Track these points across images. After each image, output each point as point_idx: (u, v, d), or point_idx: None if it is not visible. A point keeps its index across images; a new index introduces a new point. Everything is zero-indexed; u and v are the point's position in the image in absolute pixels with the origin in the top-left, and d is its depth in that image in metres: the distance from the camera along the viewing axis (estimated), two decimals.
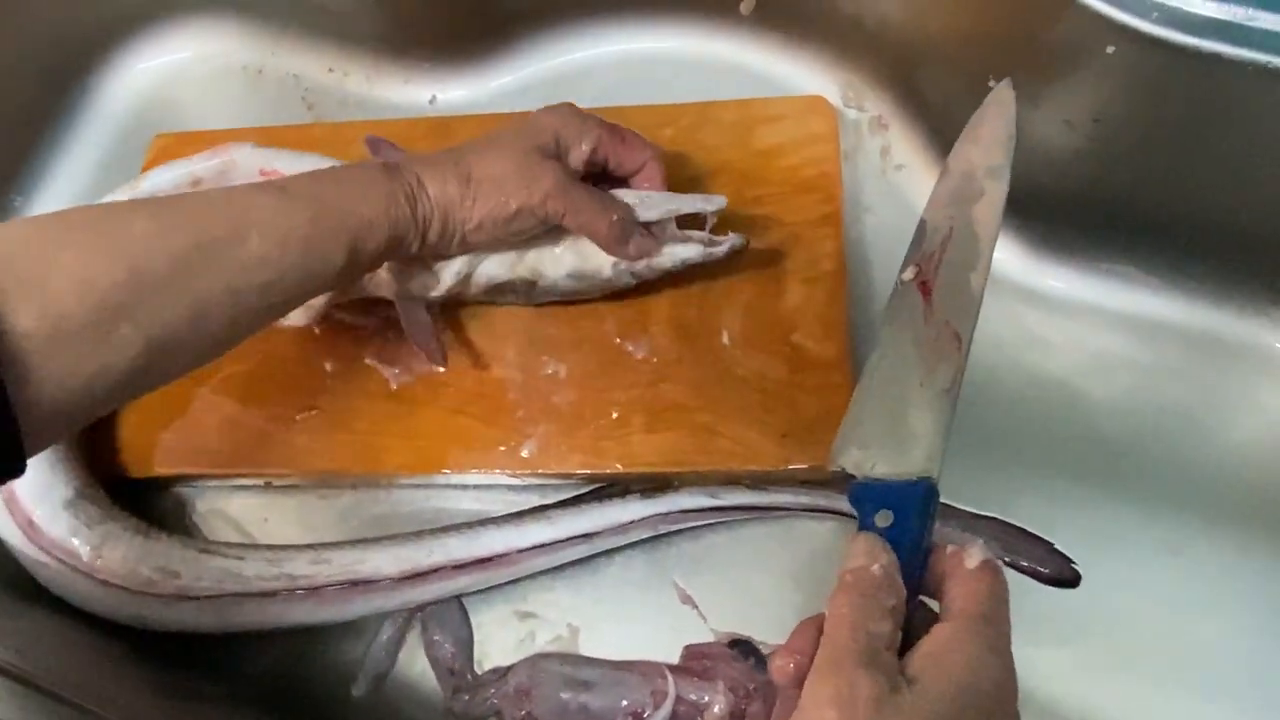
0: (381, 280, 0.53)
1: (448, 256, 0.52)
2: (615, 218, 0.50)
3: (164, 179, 0.57)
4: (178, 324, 0.38)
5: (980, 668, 0.32)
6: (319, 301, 0.54)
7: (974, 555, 0.35)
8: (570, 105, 0.52)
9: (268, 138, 0.63)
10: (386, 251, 0.47)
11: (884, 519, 0.36)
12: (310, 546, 0.53)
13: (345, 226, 0.44)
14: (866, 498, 0.37)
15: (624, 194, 0.51)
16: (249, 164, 0.56)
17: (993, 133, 0.44)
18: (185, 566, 0.52)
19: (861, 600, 0.33)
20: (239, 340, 0.43)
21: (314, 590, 0.51)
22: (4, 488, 0.52)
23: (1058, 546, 0.51)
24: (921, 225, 0.43)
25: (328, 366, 0.56)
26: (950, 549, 0.35)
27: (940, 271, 0.42)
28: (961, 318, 0.40)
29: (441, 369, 0.55)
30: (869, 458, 0.38)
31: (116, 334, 0.36)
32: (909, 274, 0.42)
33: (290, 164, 0.56)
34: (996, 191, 0.42)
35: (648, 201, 0.51)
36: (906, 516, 0.35)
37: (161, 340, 0.38)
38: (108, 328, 0.36)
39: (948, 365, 0.39)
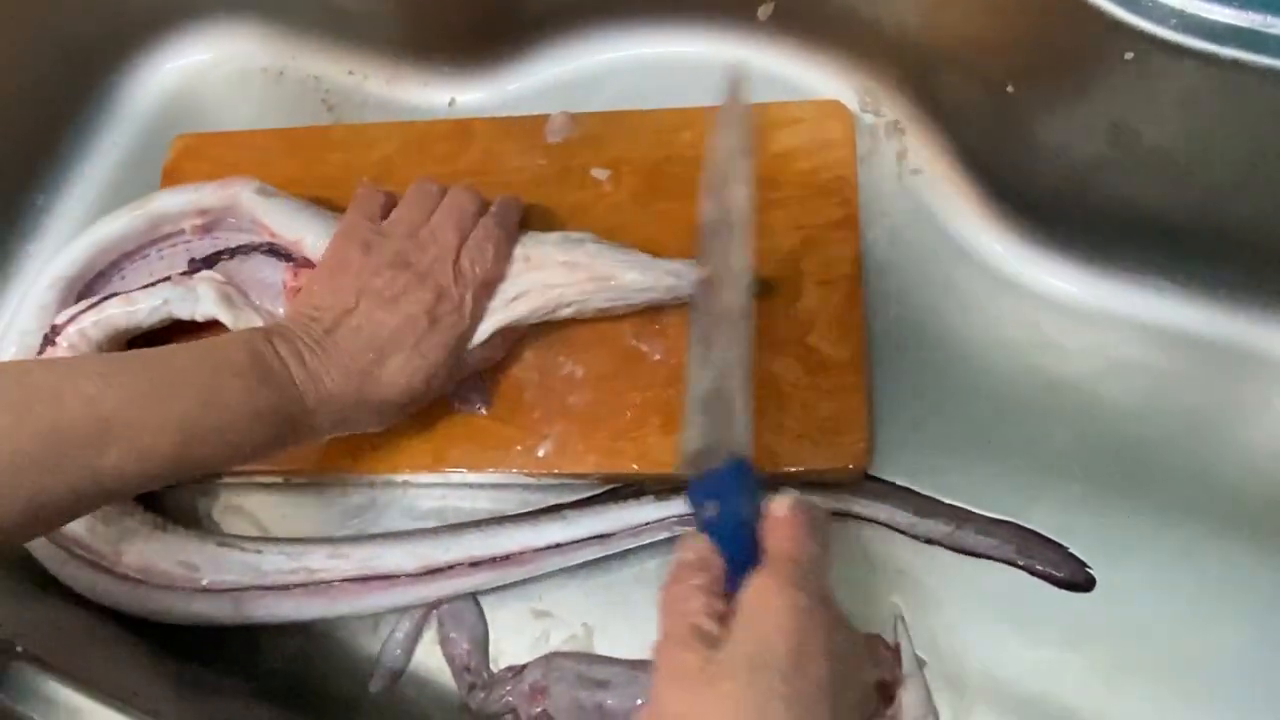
0: None
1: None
2: None
3: (171, 204, 0.57)
4: (8, 512, 0.37)
5: (786, 606, 0.33)
6: None
7: (782, 504, 0.37)
8: (459, 301, 0.51)
9: (288, 139, 0.64)
10: (259, 453, 0.46)
11: (713, 508, 0.38)
12: (328, 541, 0.54)
13: (220, 442, 0.43)
14: (698, 495, 0.39)
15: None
16: (247, 207, 0.56)
17: (731, 116, 0.46)
18: (204, 560, 0.52)
19: (675, 586, 0.36)
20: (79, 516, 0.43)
21: (331, 584, 0.52)
22: None
23: (1072, 550, 0.52)
24: (700, 226, 0.45)
25: None
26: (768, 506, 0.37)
27: (717, 262, 0.44)
28: (740, 299, 0.42)
29: (484, 411, 0.55)
30: (693, 459, 0.40)
31: None
32: (703, 272, 0.45)
33: (285, 220, 0.55)
34: (743, 171, 0.45)
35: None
36: (729, 499, 0.37)
37: None
38: None
39: (736, 348, 0.41)
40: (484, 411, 0.54)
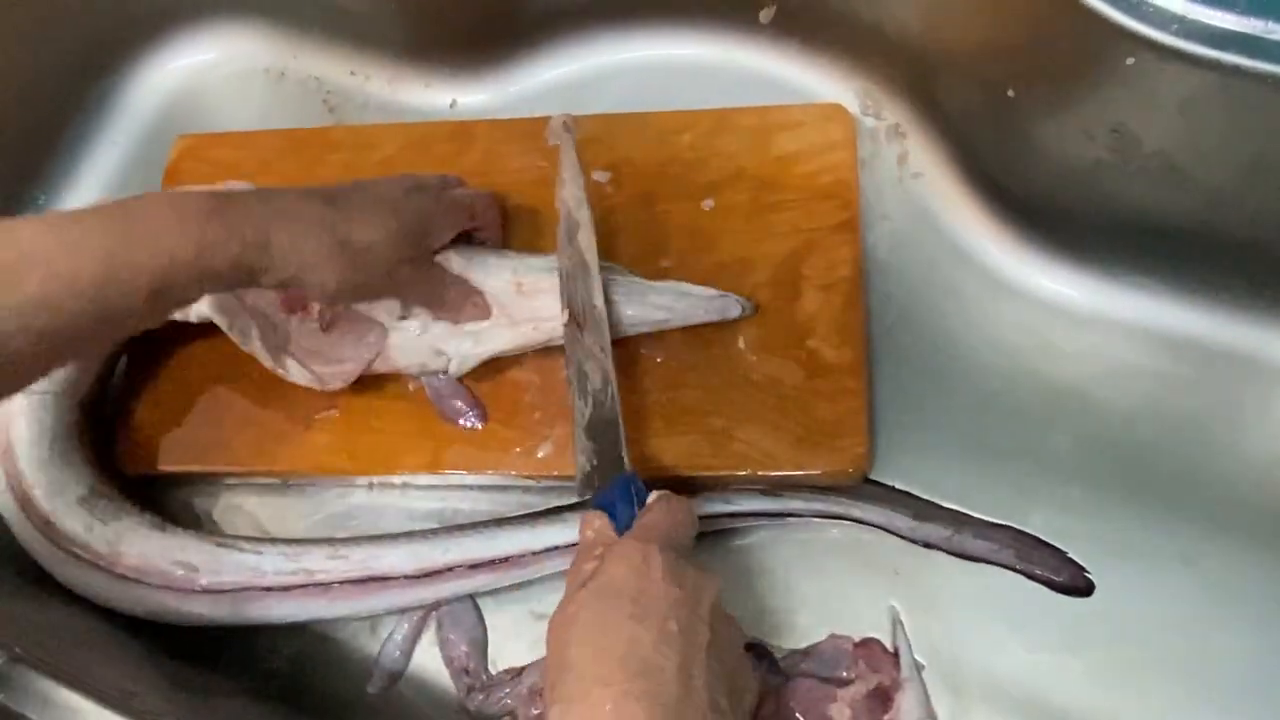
0: (396, 363, 0.54)
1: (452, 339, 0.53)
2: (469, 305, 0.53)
3: None
4: None
5: (635, 551, 0.41)
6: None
7: (653, 496, 0.45)
8: (442, 187, 0.54)
9: (289, 140, 0.64)
10: (205, 290, 0.43)
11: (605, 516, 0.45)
12: (328, 541, 0.54)
13: (146, 268, 0.39)
14: (597, 506, 0.46)
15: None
16: None
17: (568, 168, 0.54)
18: (203, 561, 0.52)
19: (579, 554, 0.44)
20: (10, 391, 0.40)
21: (330, 585, 0.52)
22: (19, 488, 0.52)
23: (1071, 555, 0.52)
24: (559, 271, 0.52)
25: None
26: None
27: (578, 303, 0.51)
28: (599, 331, 0.50)
29: (480, 425, 0.55)
30: (585, 479, 0.48)
31: None
32: (564, 316, 0.51)
33: None
34: (585, 218, 0.53)
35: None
36: (619, 507, 0.45)
37: None
38: None
39: (601, 375, 0.50)
40: (479, 425, 0.55)
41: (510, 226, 0.59)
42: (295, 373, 0.53)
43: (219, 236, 0.41)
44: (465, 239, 0.55)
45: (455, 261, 0.53)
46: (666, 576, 0.40)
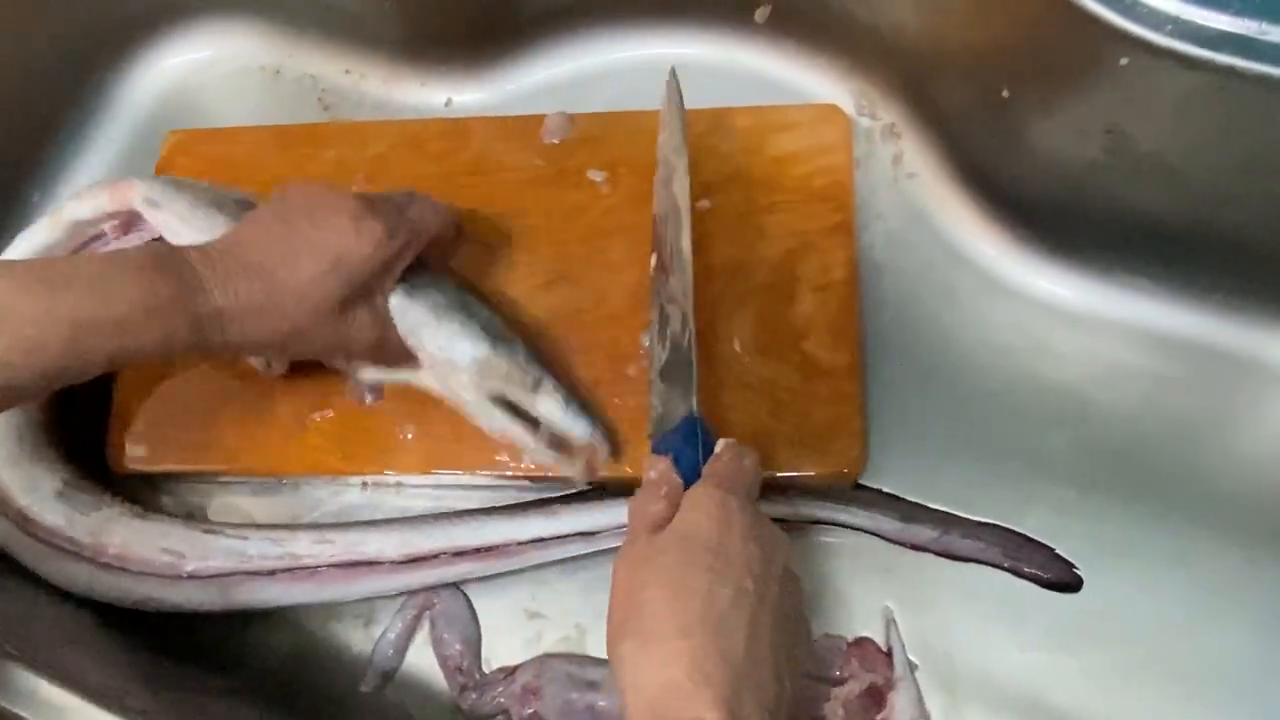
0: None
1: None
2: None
3: (82, 211, 0.54)
4: None
5: (713, 500, 0.41)
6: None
7: (721, 444, 0.45)
8: (384, 221, 0.48)
9: (281, 136, 0.64)
10: (159, 352, 0.44)
11: (670, 459, 0.45)
12: (314, 527, 0.54)
13: (107, 347, 0.41)
14: (660, 449, 0.46)
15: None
16: (143, 214, 0.54)
17: (672, 118, 0.53)
18: (188, 547, 0.52)
19: (641, 495, 0.44)
20: None
21: (316, 570, 0.52)
22: None
23: (1059, 551, 0.52)
24: (654, 218, 0.52)
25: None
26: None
27: (666, 247, 0.50)
28: (683, 276, 0.49)
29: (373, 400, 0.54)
30: (658, 421, 0.48)
31: None
32: (654, 261, 0.51)
33: (179, 227, 0.52)
34: (682, 166, 0.52)
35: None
36: (684, 450, 0.45)
37: None
38: None
39: (681, 319, 0.49)
40: (371, 401, 0.54)
41: (501, 226, 0.58)
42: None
43: (170, 294, 0.42)
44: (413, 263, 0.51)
45: (405, 312, 0.50)
46: (746, 532, 0.40)
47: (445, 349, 0.50)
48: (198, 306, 0.43)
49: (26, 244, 0.55)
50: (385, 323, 0.49)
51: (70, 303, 0.40)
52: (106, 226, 0.56)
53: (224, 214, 0.52)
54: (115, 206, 0.54)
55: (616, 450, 0.52)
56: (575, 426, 0.51)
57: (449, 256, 0.56)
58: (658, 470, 0.44)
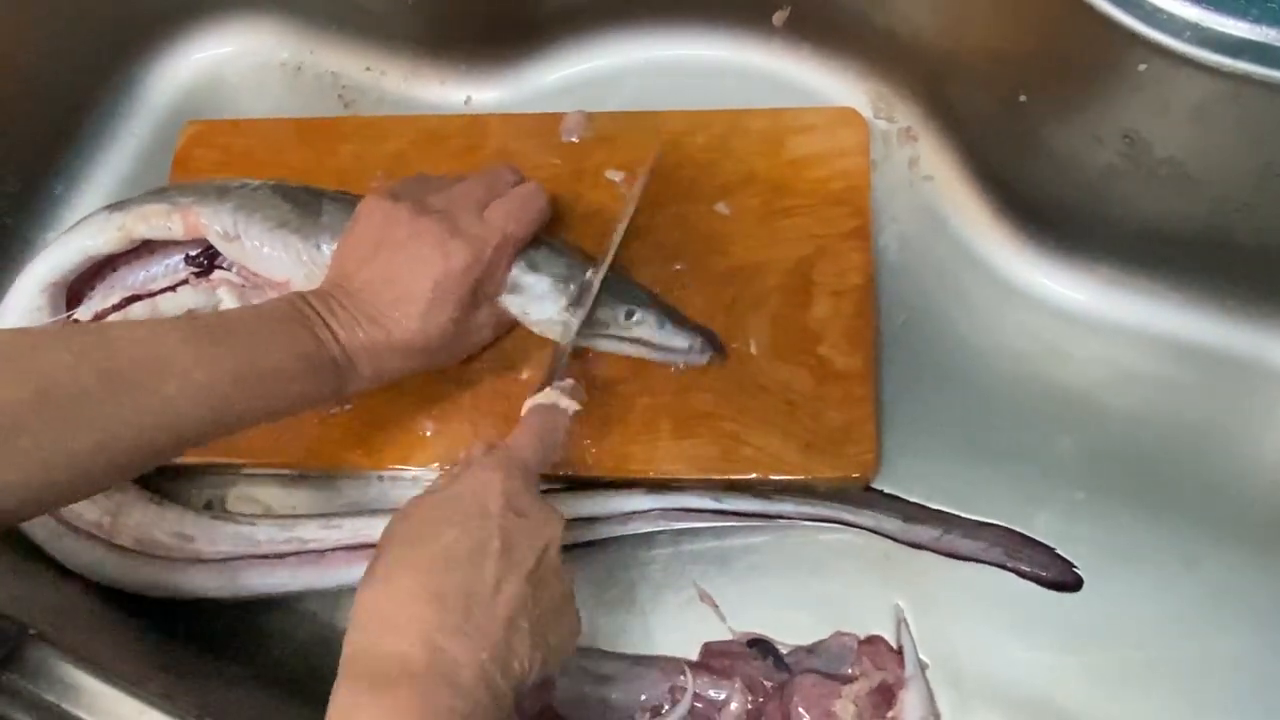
0: None
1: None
2: None
3: (151, 230, 0.56)
4: (79, 450, 0.39)
5: (473, 474, 0.43)
6: None
7: (526, 404, 0.48)
8: (465, 240, 0.50)
9: (300, 129, 0.64)
10: (308, 398, 0.46)
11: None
12: (322, 514, 0.54)
13: (270, 388, 0.44)
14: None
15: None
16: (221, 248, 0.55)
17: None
18: (199, 531, 0.53)
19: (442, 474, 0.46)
20: (148, 467, 0.43)
21: (324, 553, 0.53)
22: None
23: (1060, 552, 0.52)
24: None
25: None
26: None
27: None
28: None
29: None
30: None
31: (14, 447, 0.37)
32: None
33: (261, 264, 0.54)
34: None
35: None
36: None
37: (61, 462, 0.39)
38: (5, 441, 0.37)
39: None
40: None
41: None
42: None
43: (311, 347, 0.46)
44: None
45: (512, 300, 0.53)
46: (503, 500, 0.42)
47: (539, 313, 0.53)
48: (332, 350, 0.46)
49: (89, 243, 0.56)
50: (501, 312, 0.53)
51: (230, 354, 0.43)
52: (178, 254, 0.57)
53: (296, 234, 0.53)
54: (188, 235, 0.55)
55: (722, 351, 0.54)
56: (675, 340, 0.53)
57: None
58: (469, 453, 0.46)
